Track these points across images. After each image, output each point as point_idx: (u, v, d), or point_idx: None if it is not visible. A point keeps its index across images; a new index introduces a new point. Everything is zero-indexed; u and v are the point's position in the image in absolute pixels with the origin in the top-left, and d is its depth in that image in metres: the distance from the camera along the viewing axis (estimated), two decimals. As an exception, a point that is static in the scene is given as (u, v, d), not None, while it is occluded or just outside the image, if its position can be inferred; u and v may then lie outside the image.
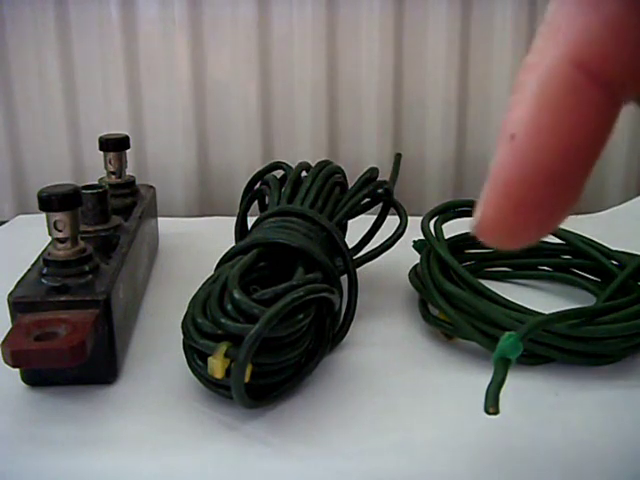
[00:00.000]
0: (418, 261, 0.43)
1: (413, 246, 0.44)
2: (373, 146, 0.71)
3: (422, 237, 0.43)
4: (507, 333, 0.30)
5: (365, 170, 0.45)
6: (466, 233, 0.46)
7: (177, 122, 0.69)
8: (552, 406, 0.34)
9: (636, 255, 0.43)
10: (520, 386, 0.35)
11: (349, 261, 0.40)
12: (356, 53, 0.69)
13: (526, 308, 0.37)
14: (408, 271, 0.44)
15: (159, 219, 0.55)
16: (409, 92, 0.70)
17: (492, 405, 0.29)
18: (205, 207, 0.71)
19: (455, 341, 0.39)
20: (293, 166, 0.45)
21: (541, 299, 0.44)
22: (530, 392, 0.35)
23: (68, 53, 0.67)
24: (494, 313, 0.36)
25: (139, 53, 0.68)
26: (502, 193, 0.19)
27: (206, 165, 0.71)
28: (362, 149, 0.71)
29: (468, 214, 0.46)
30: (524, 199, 0.19)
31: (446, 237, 0.43)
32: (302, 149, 0.70)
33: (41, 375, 0.35)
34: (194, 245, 0.54)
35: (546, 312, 0.35)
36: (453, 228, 0.45)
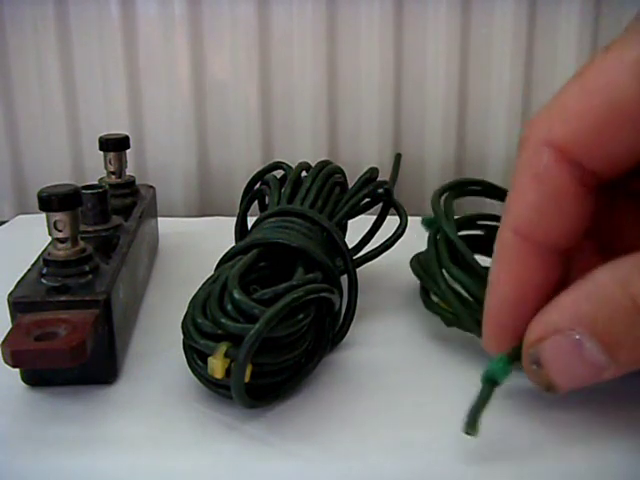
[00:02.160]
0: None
1: (422, 223, 0.43)
2: (373, 146, 0.71)
3: (423, 236, 0.42)
4: (499, 355, 0.30)
5: (365, 170, 0.45)
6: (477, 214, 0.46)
7: (177, 122, 0.69)
8: (551, 406, 0.33)
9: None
10: (519, 386, 0.35)
11: (349, 261, 0.40)
12: (356, 53, 0.69)
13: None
14: (409, 262, 0.44)
15: (159, 219, 0.55)
16: (409, 92, 0.70)
17: (471, 427, 0.29)
18: (205, 207, 0.72)
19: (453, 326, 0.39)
20: (293, 166, 0.45)
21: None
22: (529, 392, 0.34)
23: (68, 53, 0.67)
24: None
25: (139, 53, 0.68)
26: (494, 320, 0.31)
27: (206, 165, 0.71)
28: (362, 149, 0.71)
29: (479, 193, 0.45)
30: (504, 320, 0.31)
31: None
32: (302, 149, 0.70)
33: (41, 375, 0.35)
34: (194, 245, 0.54)
35: None
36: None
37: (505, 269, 0.30)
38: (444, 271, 0.40)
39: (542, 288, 0.29)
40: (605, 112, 0.27)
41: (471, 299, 0.38)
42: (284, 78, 0.69)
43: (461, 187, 0.43)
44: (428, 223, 0.43)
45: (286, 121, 0.70)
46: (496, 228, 0.32)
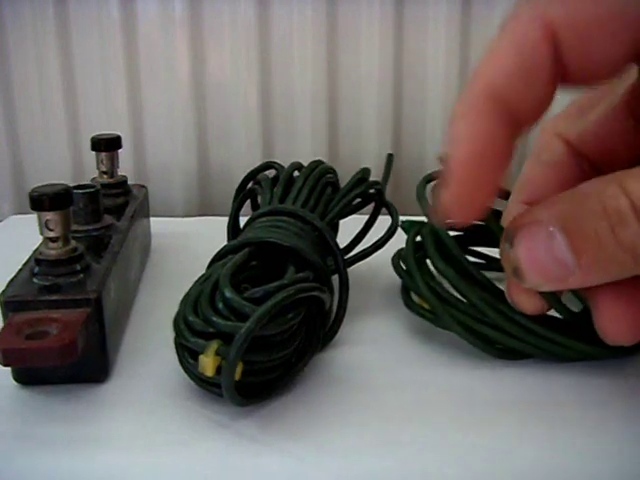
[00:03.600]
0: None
1: (401, 226, 0.44)
2: (373, 146, 0.71)
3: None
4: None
5: (357, 171, 0.45)
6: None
7: (177, 122, 0.69)
8: (539, 404, 0.34)
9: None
10: (507, 383, 0.35)
11: (340, 260, 0.40)
12: (356, 53, 0.69)
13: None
14: (391, 259, 0.43)
15: (152, 219, 0.55)
16: (409, 92, 0.70)
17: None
18: (204, 207, 0.72)
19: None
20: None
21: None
22: (517, 389, 0.35)
23: (68, 53, 0.67)
24: (479, 301, 0.36)
25: (139, 53, 0.68)
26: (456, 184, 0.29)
27: (206, 165, 0.71)
28: (362, 149, 0.71)
29: None
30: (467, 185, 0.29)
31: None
32: (302, 149, 0.70)
33: (33, 374, 0.35)
34: (187, 245, 0.54)
35: None
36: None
37: (471, 125, 0.30)
38: (429, 263, 0.39)
39: (501, 153, 0.30)
40: (604, 14, 0.28)
41: (455, 295, 0.38)
42: (284, 78, 0.69)
43: None
44: (408, 226, 0.43)
45: (286, 121, 0.70)
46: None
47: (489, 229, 0.36)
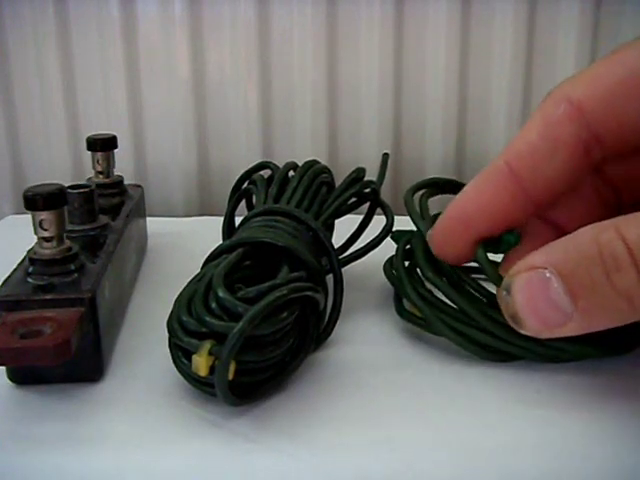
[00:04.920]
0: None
1: (391, 237, 0.44)
2: (373, 146, 0.71)
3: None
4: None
5: (352, 170, 0.45)
6: None
7: (177, 122, 0.69)
8: (533, 404, 0.34)
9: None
10: (501, 383, 0.35)
11: (335, 260, 0.40)
12: (356, 53, 0.69)
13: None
14: (382, 266, 0.44)
15: (149, 219, 0.56)
16: (409, 92, 0.70)
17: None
18: (204, 207, 0.72)
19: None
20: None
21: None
22: (511, 389, 0.35)
23: (68, 53, 0.67)
24: (469, 308, 0.37)
25: (139, 53, 0.68)
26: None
27: (206, 165, 0.71)
28: (362, 149, 0.71)
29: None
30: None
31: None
32: (302, 149, 0.70)
33: (27, 373, 0.35)
34: (183, 245, 0.54)
35: None
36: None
37: (481, 182, 0.33)
38: (419, 272, 0.40)
39: (498, 215, 0.33)
40: (625, 79, 0.30)
41: (445, 301, 0.38)
42: (284, 78, 0.69)
43: (435, 186, 0.43)
44: (397, 236, 0.44)
45: (286, 121, 0.70)
46: None
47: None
